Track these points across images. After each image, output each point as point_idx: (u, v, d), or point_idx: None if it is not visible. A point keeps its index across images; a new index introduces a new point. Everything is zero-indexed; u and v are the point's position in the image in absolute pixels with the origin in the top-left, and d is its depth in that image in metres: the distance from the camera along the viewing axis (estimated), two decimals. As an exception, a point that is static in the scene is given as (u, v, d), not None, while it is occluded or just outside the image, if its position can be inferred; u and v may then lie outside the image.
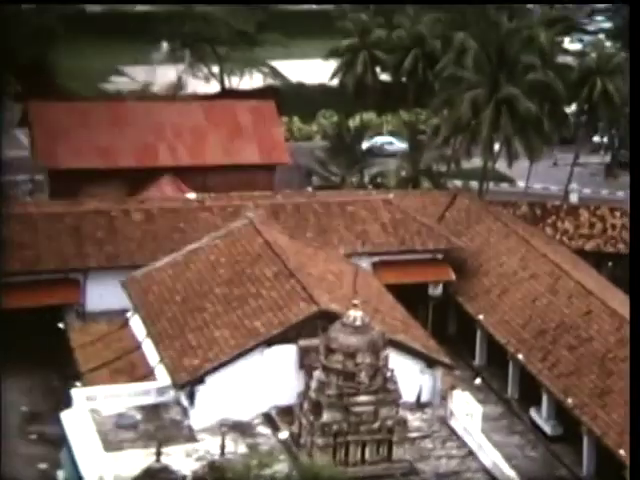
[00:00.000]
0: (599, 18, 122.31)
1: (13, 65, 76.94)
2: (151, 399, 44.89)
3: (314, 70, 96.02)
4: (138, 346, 48.51)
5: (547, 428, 51.31)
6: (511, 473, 42.60)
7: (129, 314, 50.43)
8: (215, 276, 49.63)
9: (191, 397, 43.85)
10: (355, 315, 41.24)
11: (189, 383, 43.69)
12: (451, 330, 58.53)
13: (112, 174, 67.60)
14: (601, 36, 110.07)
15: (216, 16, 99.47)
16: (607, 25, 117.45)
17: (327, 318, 43.31)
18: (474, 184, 73.09)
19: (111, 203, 59.94)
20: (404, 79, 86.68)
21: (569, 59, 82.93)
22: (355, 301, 41.88)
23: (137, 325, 49.38)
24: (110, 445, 41.65)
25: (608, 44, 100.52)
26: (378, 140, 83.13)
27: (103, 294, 53.30)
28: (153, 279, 50.93)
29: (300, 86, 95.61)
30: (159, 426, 43.30)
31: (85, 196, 63.45)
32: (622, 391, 47.98)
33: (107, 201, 60.64)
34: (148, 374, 46.57)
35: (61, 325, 52.83)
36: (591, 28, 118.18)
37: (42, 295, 53.70)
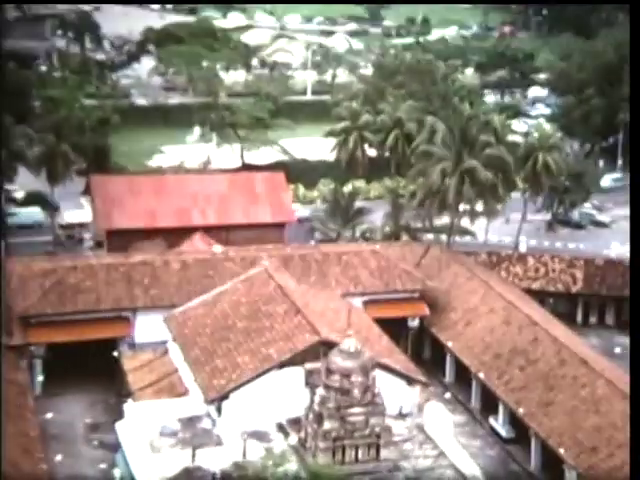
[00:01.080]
0: (539, 105, 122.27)
1: (79, 147, 77.03)
2: (187, 412, 44.80)
3: (315, 147, 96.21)
4: (176, 370, 48.39)
5: (503, 432, 51.36)
6: (474, 468, 42.94)
7: (169, 344, 50.24)
8: (237, 313, 49.47)
9: (219, 410, 43.83)
10: (349, 343, 41.45)
11: (217, 399, 43.74)
12: (426, 355, 58.30)
13: (155, 232, 67.39)
14: (541, 120, 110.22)
15: (238, 106, 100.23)
16: (546, 111, 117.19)
17: (327, 346, 43.32)
18: (443, 237, 72.84)
19: (155, 255, 59.89)
20: (387, 154, 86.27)
21: (517, 138, 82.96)
22: (349, 332, 41.96)
23: (175, 353, 49.22)
24: (155, 449, 41.97)
25: (547, 126, 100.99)
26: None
27: (149, 328, 53.12)
28: (188, 316, 50.82)
29: (304, 160, 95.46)
30: (193, 434, 43.29)
31: (134, 250, 63.37)
32: (562, 402, 48.39)
33: (151, 254, 60.53)
34: (184, 392, 46.50)
35: (115, 353, 52.71)
36: (533, 113, 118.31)
37: (100, 329, 53.61)
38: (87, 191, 73.64)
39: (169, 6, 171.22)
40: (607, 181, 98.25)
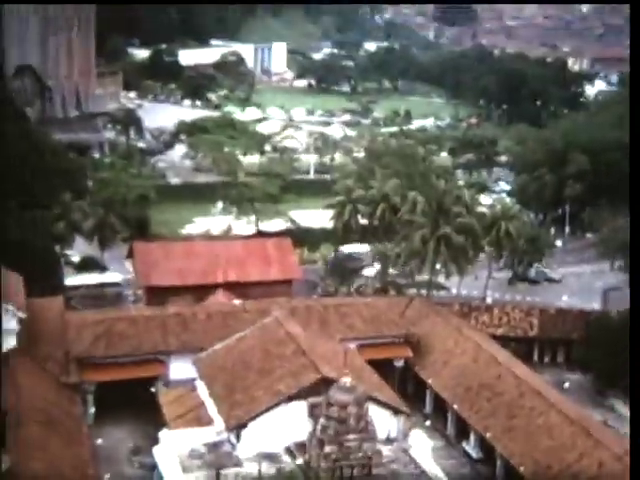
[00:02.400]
0: (501, 182, 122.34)
1: (124, 219, 77.49)
2: (211, 438, 44.58)
3: (317, 217, 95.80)
4: (202, 403, 48.18)
5: (473, 454, 51.18)
6: (449, 484, 43.01)
7: (197, 382, 50.00)
8: (253, 355, 49.35)
9: (238, 437, 43.66)
10: (346, 380, 41.48)
11: (236, 427, 43.65)
12: (409, 390, 57.87)
13: (185, 289, 66.74)
14: (503, 194, 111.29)
15: (253, 184, 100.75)
16: (507, 187, 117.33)
17: (327, 382, 43.16)
18: (423, 291, 72.60)
19: (185, 308, 59.83)
20: (376, 222, 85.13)
21: (483, 209, 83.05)
22: (346, 371, 42.07)
23: (202, 389, 48.98)
24: (185, 469, 41.87)
25: (507, 200, 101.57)
26: None
27: (180, 369, 52.90)
28: (212, 358, 50.76)
29: (308, 228, 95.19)
30: (217, 456, 43.06)
31: (168, 303, 62.97)
32: (522, 428, 48.23)
33: (182, 306, 60.44)
34: (209, 422, 46.29)
35: (153, 389, 52.64)
36: (496, 189, 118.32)
37: (141, 370, 53.49)
38: (130, 255, 73.30)
39: (198, 102, 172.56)
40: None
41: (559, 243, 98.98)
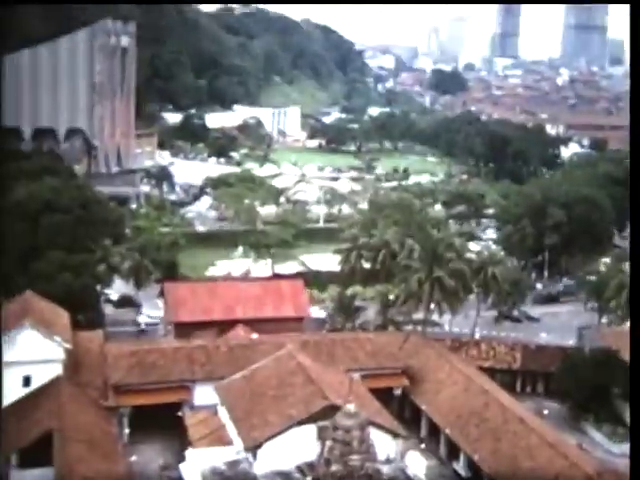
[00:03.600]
0: (489, 231, 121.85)
1: (156, 262, 77.64)
2: (231, 457, 44.55)
3: (326, 262, 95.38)
4: (223, 426, 48.22)
5: (463, 473, 50.88)
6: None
7: (218, 407, 50.08)
8: (268, 383, 49.28)
9: (254, 456, 43.65)
10: (350, 407, 41.49)
11: (253, 447, 43.67)
12: (407, 415, 57.44)
13: (209, 324, 66.61)
14: (490, 242, 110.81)
15: (270, 232, 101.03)
16: (493, 236, 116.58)
17: (334, 409, 43.09)
18: (419, 328, 71.74)
19: (208, 341, 59.82)
20: (378, 267, 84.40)
21: (472, 255, 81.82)
22: (350, 399, 42.05)
23: (223, 413, 49.02)
24: (209, 484, 41.93)
25: (494, 247, 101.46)
26: None
27: (204, 395, 52.70)
28: (232, 386, 50.69)
29: (317, 271, 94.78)
30: (236, 473, 43.05)
31: (194, 337, 62.97)
32: (506, 451, 48.03)
33: (206, 340, 60.42)
34: (229, 442, 46.32)
35: (179, 413, 52.60)
36: (484, 238, 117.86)
37: (169, 395, 53.49)
38: (161, 294, 73.63)
39: (222, 160, 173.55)
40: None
41: (539, 286, 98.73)
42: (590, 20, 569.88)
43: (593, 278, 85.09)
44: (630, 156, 41.97)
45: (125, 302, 78.86)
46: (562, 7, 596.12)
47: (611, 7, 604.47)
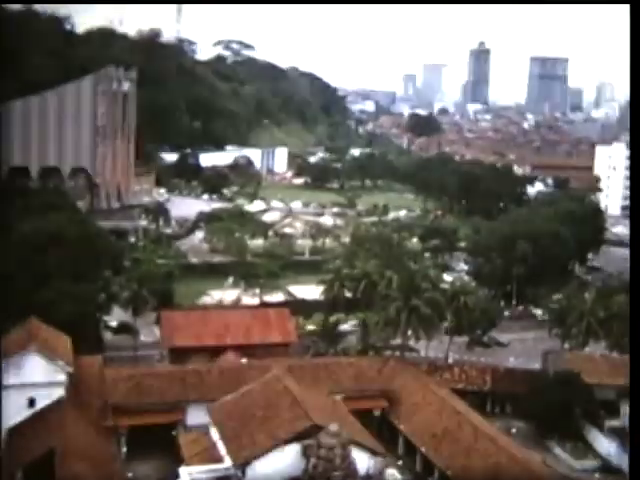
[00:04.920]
0: (461, 264, 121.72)
1: (153, 292, 77.30)
2: (221, 473, 44.50)
3: (311, 291, 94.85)
4: (215, 444, 48.01)
5: (437, 488, 50.98)
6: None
7: (210, 427, 49.87)
8: (256, 405, 49.23)
9: (243, 473, 43.52)
10: (333, 426, 41.78)
11: (242, 465, 43.54)
12: (385, 435, 57.15)
13: (201, 349, 66.38)
14: (462, 273, 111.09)
15: (259, 263, 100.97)
16: (465, 268, 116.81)
17: (317, 429, 43.27)
18: (397, 353, 72.04)
19: (201, 365, 59.87)
20: (359, 296, 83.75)
21: (446, 286, 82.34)
22: (333, 419, 42.38)
23: (214, 433, 48.79)
24: (201, 499, 41.70)
25: (466, 278, 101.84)
26: None
27: (196, 415, 52.73)
28: (223, 407, 50.59)
29: (303, 300, 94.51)
30: (227, 488, 43.17)
31: (187, 361, 62.96)
32: (477, 467, 48.17)
33: (199, 364, 60.46)
34: (220, 460, 46.13)
35: (174, 432, 52.57)
36: (457, 269, 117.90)
37: (164, 416, 53.50)
38: (158, 321, 73.68)
39: (214, 197, 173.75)
40: None
41: (507, 314, 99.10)
42: (552, 70, 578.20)
43: (556, 306, 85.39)
44: (630, 156, 39.20)
45: (123, 329, 78.46)
46: (527, 58, 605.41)
47: (571, 59, 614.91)
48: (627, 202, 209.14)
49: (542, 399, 61.30)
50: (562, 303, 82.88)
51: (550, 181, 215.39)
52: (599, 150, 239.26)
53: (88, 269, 73.19)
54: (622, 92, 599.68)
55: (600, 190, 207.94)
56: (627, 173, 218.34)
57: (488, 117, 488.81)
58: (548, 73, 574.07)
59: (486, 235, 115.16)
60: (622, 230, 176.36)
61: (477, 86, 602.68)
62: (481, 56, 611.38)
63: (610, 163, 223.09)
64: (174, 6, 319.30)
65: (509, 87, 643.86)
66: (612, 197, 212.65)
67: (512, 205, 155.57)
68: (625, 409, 63.45)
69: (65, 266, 70.66)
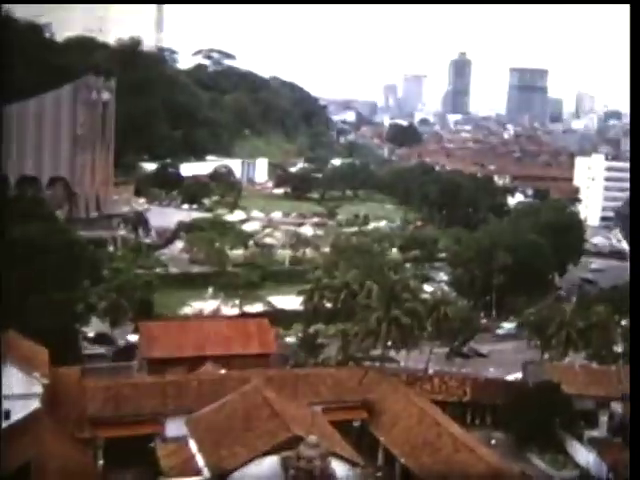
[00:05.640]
0: (441, 273, 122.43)
1: (132, 302, 77.04)
2: (200, 485, 44.25)
3: (291, 301, 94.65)
4: (193, 456, 47.72)
5: (417, 499, 50.83)
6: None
7: (188, 438, 49.55)
8: (235, 416, 49.04)
9: (222, 484, 43.41)
10: (312, 438, 41.63)
11: (221, 477, 43.24)
12: (365, 446, 56.67)
13: (181, 360, 66.12)
14: (442, 284, 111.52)
15: (239, 274, 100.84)
16: (445, 278, 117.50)
17: (297, 440, 43.04)
18: (377, 364, 71.61)
19: (180, 376, 59.60)
20: (339, 306, 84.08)
21: (426, 296, 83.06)
22: (312, 430, 42.26)
23: (193, 445, 48.53)
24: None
25: (446, 288, 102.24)
26: None
27: (175, 427, 52.29)
28: (202, 418, 50.30)
29: (283, 310, 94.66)
30: (205, 500, 42.88)
31: (166, 372, 62.58)
32: (458, 478, 48.23)
33: (178, 375, 60.18)
34: (199, 472, 45.87)
35: (152, 444, 52.19)
36: (437, 279, 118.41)
37: (142, 428, 53.12)
38: (136, 331, 73.25)
39: (195, 206, 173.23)
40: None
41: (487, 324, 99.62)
42: (532, 81, 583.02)
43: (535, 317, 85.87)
44: (630, 157, 40.15)
45: (101, 339, 77.92)
46: (507, 69, 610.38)
47: (550, 70, 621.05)
48: (606, 213, 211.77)
49: (522, 410, 61.58)
50: (541, 313, 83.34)
51: (530, 191, 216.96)
52: (578, 161, 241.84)
53: (66, 279, 72.69)
54: (601, 103, 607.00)
55: (579, 201, 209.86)
56: (606, 184, 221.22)
57: (468, 127, 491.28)
58: (528, 84, 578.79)
59: (466, 245, 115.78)
60: (601, 241, 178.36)
61: (457, 97, 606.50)
62: (461, 67, 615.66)
63: (589, 174, 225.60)
64: (155, 15, 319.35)
65: (489, 98, 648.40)
66: (591, 208, 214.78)
67: (492, 215, 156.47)
68: (604, 419, 64.00)
69: (43, 276, 70.12)
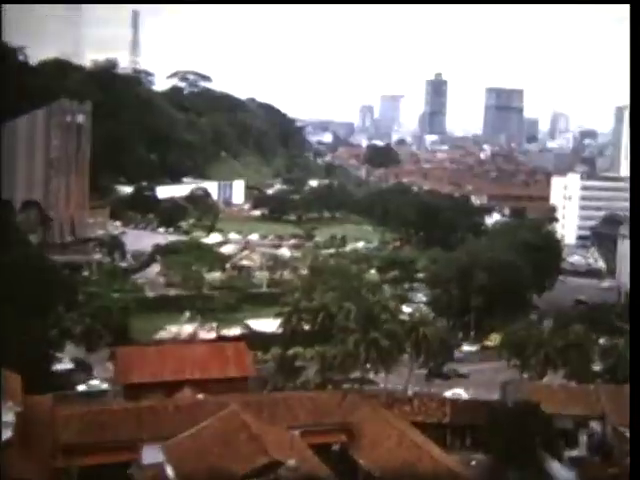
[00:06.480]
0: (419, 294, 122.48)
1: (108, 327, 76.46)
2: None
3: (268, 324, 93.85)
4: (170, 482, 47.16)
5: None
6: None
7: (165, 465, 48.49)
8: (213, 441, 48.36)
9: (200, 511, 42.90)
10: (291, 462, 41.51)
11: (199, 503, 42.94)
12: (344, 469, 55.01)
13: (158, 385, 65.51)
14: (421, 305, 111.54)
15: (216, 297, 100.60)
16: (424, 299, 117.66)
17: (276, 464, 42.96)
18: (356, 386, 71.04)
19: (157, 402, 58.95)
20: (317, 328, 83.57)
21: (405, 317, 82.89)
22: (291, 454, 42.04)
23: (170, 471, 47.56)
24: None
25: (424, 309, 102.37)
26: None
27: (152, 454, 50.77)
28: (179, 444, 49.43)
29: (260, 333, 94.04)
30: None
31: (143, 398, 61.65)
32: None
33: (155, 401, 59.48)
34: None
35: (129, 471, 51.33)
36: (416, 300, 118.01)
37: (119, 454, 52.35)
38: (112, 357, 72.66)
39: (171, 229, 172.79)
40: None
41: (466, 347, 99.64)
42: (508, 101, 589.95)
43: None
44: (630, 157, 40.82)
45: (76, 365, 77.08)
46: (483, 89, 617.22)
47: (526, 90, 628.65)
48: (583, 232, 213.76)
49: (501, 430, 61.48)
50: (520, 333, 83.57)
51: (507, 211, 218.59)
52: (555, 180, 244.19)
53: (40, 305, 72.07)
54: (576, 123, 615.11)
55: (556, 220, 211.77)
56: (582, 203, 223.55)
57: (445, 148, 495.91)
58: (504, 104, 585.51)
59: (444, 266, 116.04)
60: (578, 260, 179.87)
61: (434, 117, 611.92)
62: (438, 87, 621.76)
63: (565, 193, 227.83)
64: (130, 37, 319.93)
65: (466, 118, 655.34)
66: (568, 227, 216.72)
67: (470, 235, 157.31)
68: (583, 438, 64.16)
69: (15, 302, 69.42)
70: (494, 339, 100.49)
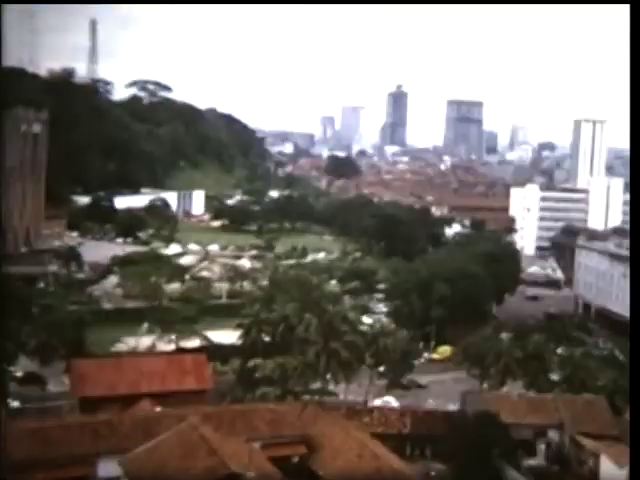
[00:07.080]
0: (380, 305, 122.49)
1: (63, 339, 75.56)
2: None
3: (228, 336, 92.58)
4: (128, 498, 46.79)
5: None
6: None
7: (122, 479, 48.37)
8: (171, 455, 47.79)
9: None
10: (250, 474, 41.41)
11: (156, 519, 42.70)
12: None
13: (114, 398, 64.57)
14: (382, 315, 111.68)
15: (175, 308, 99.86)
16: (384, 310, 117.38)
17: (235, 478, 42.74)
18: (316, 397, 70.47)
19: (114, 415, 57.88)
20: (278, 339, 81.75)
21: (366, 328, 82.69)
22: (250, 466, 41.82)
23: (128, 486, 47.60)
24: None
25: (385, 320, 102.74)
26: None
27: (108, 468, 50.50)
28: (136, 458, 48.76)
29: (220, 345, 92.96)
30: None
31: (99, 412, 60.80)
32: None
33: (111, 414, 58.43)
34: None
35: (84, 487, 50.97)
36: (377, 311, 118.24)
37: (75, 469, 51.16)
38: (67, 370, 71.47)
39: (129, 240, 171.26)
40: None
41: (426, 355, 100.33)
42: (468, 113, 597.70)
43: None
44: (630, 158, 40.79)
45: (30, 379, 75.89)
46: (444, 101, 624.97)
47: (485, 102, 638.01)
48: (541, 243, 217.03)
49: (460, 440, 61.98)
50: (479, 343, 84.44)
51: (467, 222, 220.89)
52: (514, 192, 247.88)
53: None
54: (534, 135, 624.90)
55: (515, 231, 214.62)
56: (541, 214, 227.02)
57: (406, 159, 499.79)
58: (464, 116, 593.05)
59: (405, 277, 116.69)
60: (537, 270, 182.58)
61: (395, 128, 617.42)
62: (399, 99, 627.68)
63: (524, 204, 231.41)
64: (88, 45, 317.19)
65: (426, 130, 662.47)
66: (527, 238, 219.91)
67: (430, 246, 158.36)
68: (542, 448, 64.94)
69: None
70: (443, 352, 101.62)
